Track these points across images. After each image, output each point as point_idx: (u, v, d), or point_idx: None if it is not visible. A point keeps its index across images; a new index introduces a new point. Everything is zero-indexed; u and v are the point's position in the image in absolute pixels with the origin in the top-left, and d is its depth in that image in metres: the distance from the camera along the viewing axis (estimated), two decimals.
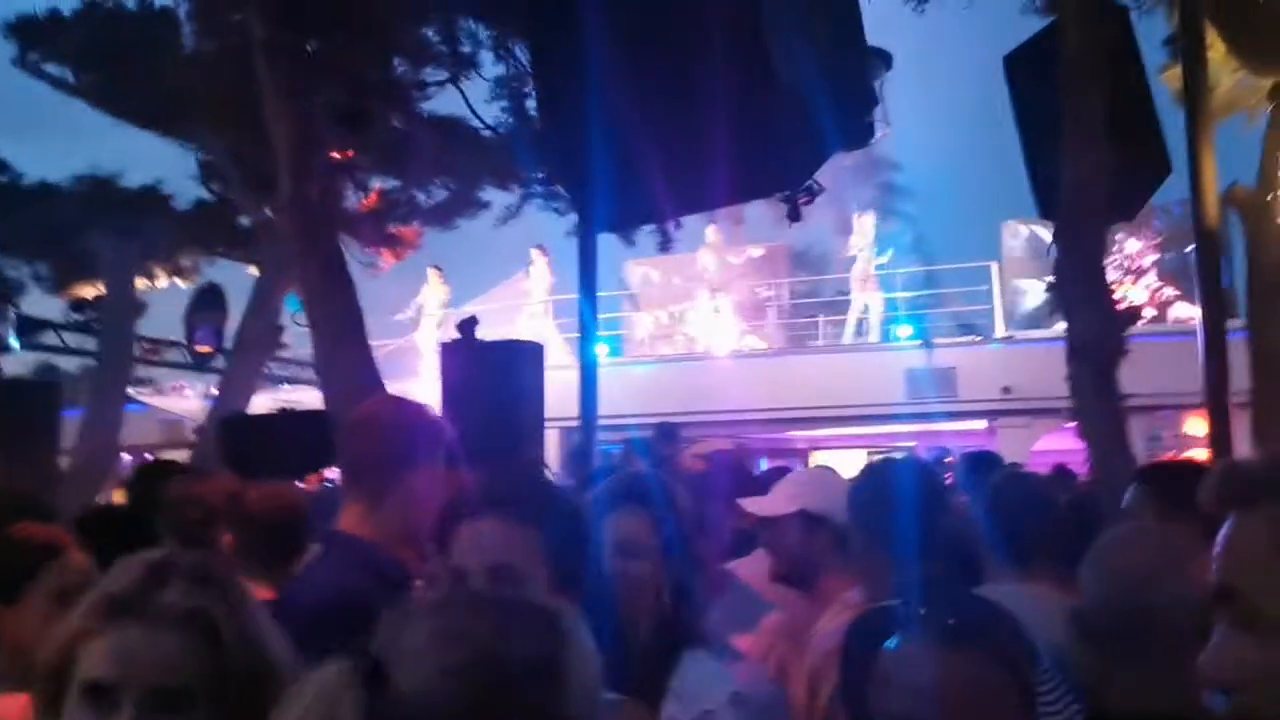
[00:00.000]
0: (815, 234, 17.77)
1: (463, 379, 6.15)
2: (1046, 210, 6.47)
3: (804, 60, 4.65)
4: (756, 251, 18.14)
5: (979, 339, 14.97)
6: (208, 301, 14.19)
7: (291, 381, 15.95)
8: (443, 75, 10.35)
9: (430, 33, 10.18)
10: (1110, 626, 1.70)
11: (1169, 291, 15.41)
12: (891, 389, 13.83)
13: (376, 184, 12.84)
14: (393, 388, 8.98)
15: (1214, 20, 7.01)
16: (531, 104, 8.79)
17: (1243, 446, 6.61)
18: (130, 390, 15.53)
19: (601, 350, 11.29)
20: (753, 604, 2.64)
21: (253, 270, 13.50)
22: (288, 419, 6.53)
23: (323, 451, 4.92)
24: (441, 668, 0.96)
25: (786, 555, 2.59)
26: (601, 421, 5.95)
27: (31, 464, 7.65)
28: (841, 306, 16.38)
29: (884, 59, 7.58)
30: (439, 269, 17.07)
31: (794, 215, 6.26)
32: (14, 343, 13.76)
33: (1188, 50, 6.60)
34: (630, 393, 12.00)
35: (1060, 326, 6.49)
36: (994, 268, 16.35)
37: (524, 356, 6.50)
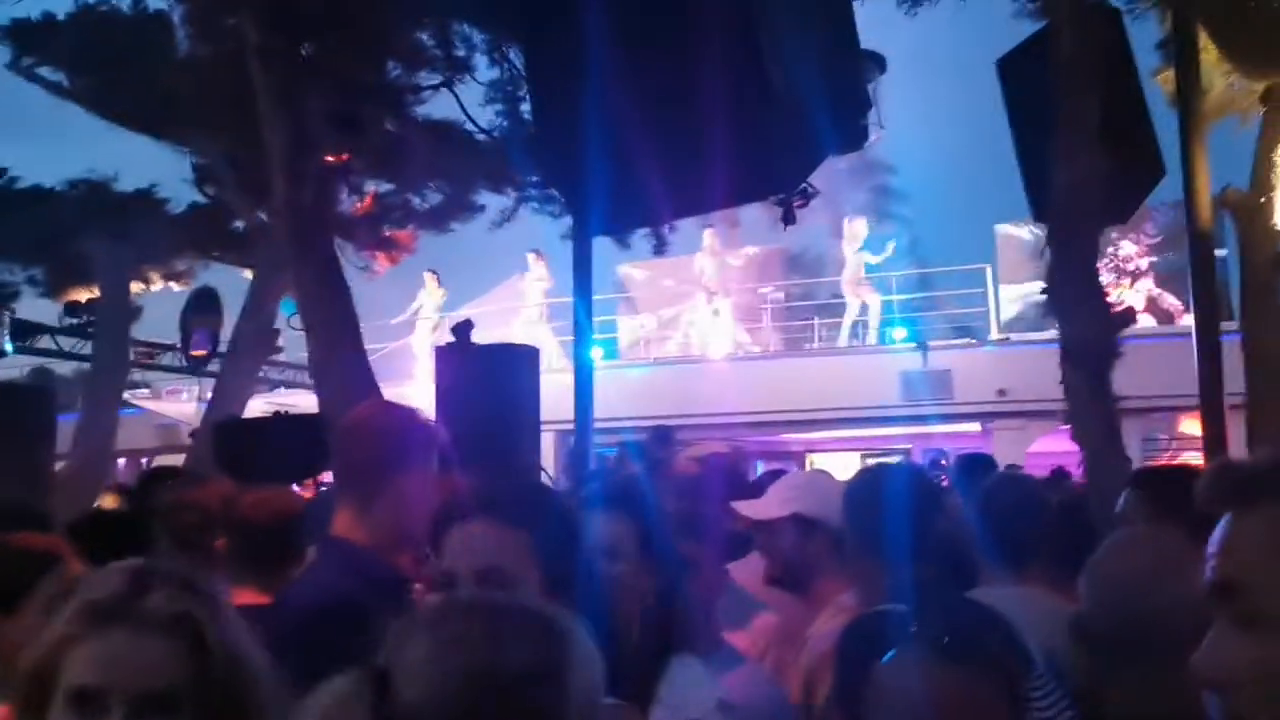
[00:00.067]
0: (811, 237, 17.79)
1: (457, 383, 6.14)
2: (1040, 213, 6.49)
3: (798, 64, 4.66)
4: (751, 250, 18.15)
5: (974, 341, 14.99)
6: (203, 305, 14.17)
7: (287, 385, 15.94)
8: (437, 79, 10.36)
9: (425, 36, 10.18)
10: (1110, 630, 1.70)
11: (1166, 293, 15.44)
12: (887, 391, 13.85)
13: (371, 188, 12.84)
14: (388, 391, 8.98)
15: (1206, 23, 7.04)
16: (526, 108, 8.79)
17: (1238, 447, 6.63)
18: (125, 394, 15.52)
19: (597, 353, 11.30)
20: (747, 606, 2.64)
21: (248, 274, 13.49)
22: (282, 423, 6.52)
23: (317, 456, 4.92)
24: (442, 676, 0.97)
25: (781, 558, 2.59)
26: (597, 424, 5.96)
27: (26, 469, 7.62)
28: (837, 309, 16.40)
29: (878, 62, 7.60)
30: (435, 273, 17.07)
31: (788, 218, 6.27)
32: (8, 347, 13.74)
33: (1181, 53, 6.63)
34: (626, 396, 12.01)
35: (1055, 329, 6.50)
36: (989, 270, 16.38)
37: (519, 360, 6.50)
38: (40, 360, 15.82)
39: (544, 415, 6.36)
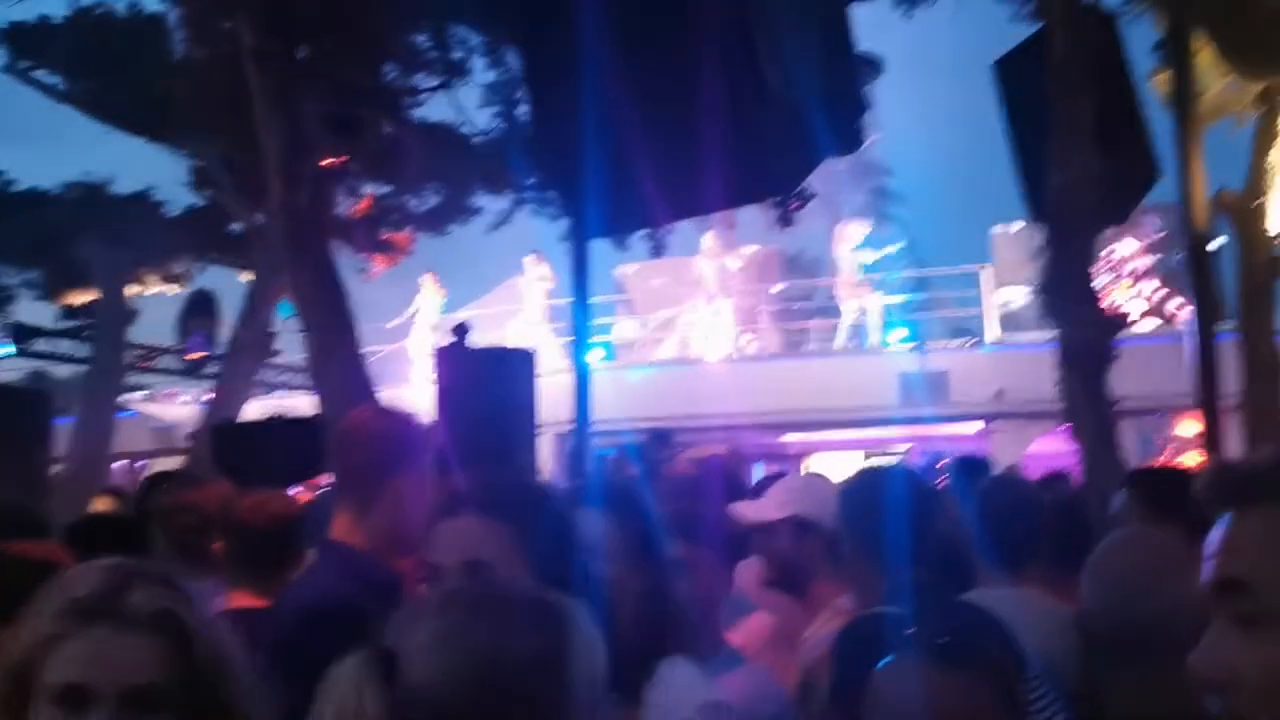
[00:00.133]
0: (808, 238, 17.80)
1: (455, 385, 6.14)
2: (1037, 215, 6.50)
3: (795, 66, 4.67)
4: (749, 250, 18.15)
5: (971, 342, 15.00)
6: (200, 308, 14.16)
7: (285, 388, 15.92)
8: (434, 81, 10.38)
9: (422, 39, 10.19)
10: (1111, 631, 1.71)
11: (1163, 294, 15.45)
12: (885, 393, 13.85)
13: (368, 190, 12.85)
14: (385, 394, 8.98)
15: (1202, 26, 7.05)
16: (523, 110, 8.80)
17: (1234, 448, 6.64)
18: (122, 397, 15.50)
19: (595, 355, 11.30)
20: (740, 609, 2.64)
21: (245, 276, 13.49)
22: (280, 426, 6.51)
23: (315, 459, 4.91)
24: (447, 663, 0.99)
25: (778, 561, 2.59)
26: (595, 426, 5.96)
27: (23, 472, 7.61)
28: (835, 311, 16.40)
29: (874, 65, 7.62)
30: (434, 275, 17.06)
31: (785, 220, 6.28)
32: (5, 350, 13.73)
33: (1176, 55, 6.64)
34: (624, 397, 12.01)
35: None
36: (986, 272, 16.39)
37: (516, 363, 6.50)
38: (37, 363, 15.82)
39: (542, 417, 6.36)
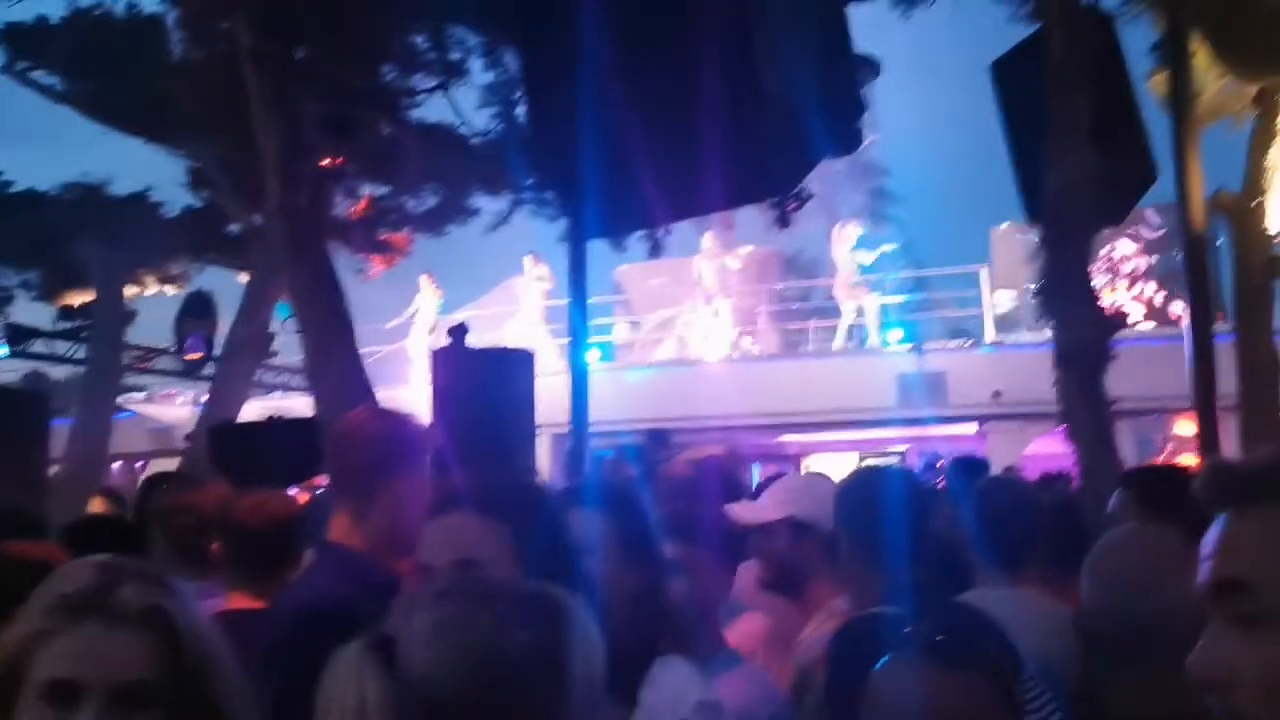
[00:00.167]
0: (806, 239, 17.81)
1: (453, 386, 6.15)
2: (1034, 215, 6.51)
3: (793, 67, 4.67)
4: (746, 250, 18.16)
5: (969, 343, 15.01)
6: (197, 308, 14.15)
7: (282, 389, 15.91)
8: (432, 82, 10.37)
9: (420, 40, 10.19)
10: (1111, 630, 1.71)
11: (1161, 295, 15.47)
12: (883, 394, 13.85)
13: (366, 191, 12.84)
14: (383, 394, 8.98)
15: (1199, 27, 7.06)
16: (521, 111, 8.80)
17: (1231, 449, 6.65)
18: (120, 398, 15.49)
19: (593, 356, 11.29)
20: (734, 610, 2.63)
21: (242, 277, 13.49)
22: (278, 426, 6.51)
23: (313, 459, 4.90)
24: (443, 655, 0.99)
25: (775, 562, 2.58)
26: (593, 427, 5.96)
27: (21, 473, 7.61)
28: (833, 312, 16.41)
29: (872, 65, 7.62)
30: (431, 275, 17.05)
31: (783, 221, 6.28)
32: (2, 351, 13.72)
33: (1173, 56, 6.65)
34: (622, 398, 12.01)
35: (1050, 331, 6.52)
36: (984, 272, 16.40)
37: (514, 363, 6.51)
38: (34, 364, 15.80)
39: (540, 418, 6.37)
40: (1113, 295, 14.92)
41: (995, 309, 16.04)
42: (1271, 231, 8.63)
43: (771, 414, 14.48)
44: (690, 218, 9.97)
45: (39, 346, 14.20)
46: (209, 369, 13.96)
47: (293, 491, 4.96)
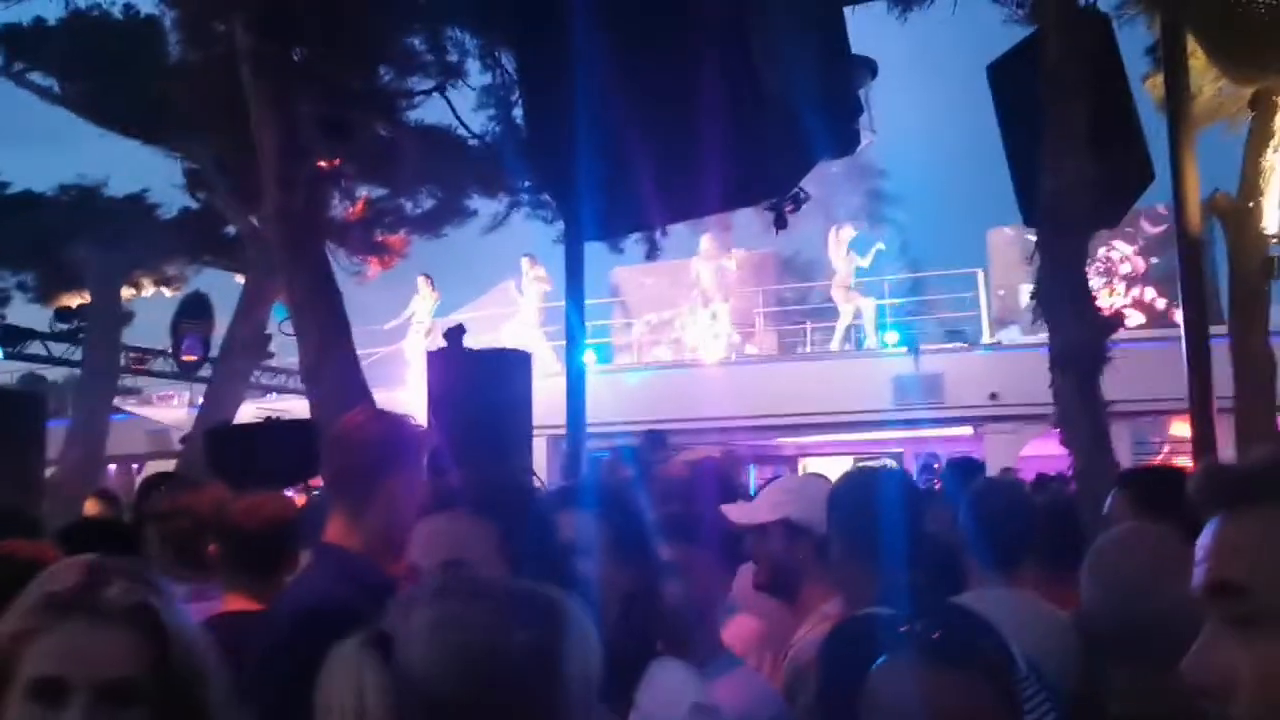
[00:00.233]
0: (803, 241, 17.83)
1: (450, 387, 6.15)
2: (1030, 217, 6.52)
3: (790, 69, 4.68)
4: (742, 253, 18.19)
5: (966, 345, 15.03)
6: (194, 310, 14.14)
7: (279, 390, 15.90)
8: (429, 84, 10.37)
9: (417, 42, 10.19)
10: (1111, 630, 1.71)
11: (1161, 295, 15.49)
12: (879, 395, 13.88)
13: (363, 192, 12.83)
14: (380, 396, 8.97)
15: (1195, 29, 7.07)
16: (518, 113, 8.80)
17: (1227, 450, 6.67)
18: (116, 400, 15.47)
19: (590, 358, 11.29)
20: (728, 612, 2.63)
21: (239, 279, 13.47)
22: (274, 428, 6.50)
23: (309, 461, 4.90)
24: (440, 653, 0.99)
25: (769, 564, 2.58)
26: (590, 429, 5.97)
27: (17, 474, 7.61)
28: (830, 313, 16.43)
29: (869, 67, 7.62)
30: (429, 277, 17.05)
31: (780, 223, 6.28)
32: None
33: (1169, 59, 6.67)
34: (619, 400, 12.02)
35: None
36: (981, 274, 16.43)
37: (511, 365, 6.51)
38: (31, 366, 15.78)
39: (537, 420, 6.38)
40: (1111, 297, 14.93)
41: (997, 310, 16.07)
42: (1268, 233, 8.65)
43: (768, 415, 14.49)
44: (687, 219, 9.99)
45: (35, 348, 14.17)
46: (206, 370, 13.95)
47: (289, 493, 4.96)
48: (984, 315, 16.04)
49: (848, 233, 15.91)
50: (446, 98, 10.30)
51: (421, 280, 17.02)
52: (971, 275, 16.52)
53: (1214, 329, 6.74)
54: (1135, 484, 2.98)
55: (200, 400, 14.09)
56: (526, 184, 10.31)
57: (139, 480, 9.83)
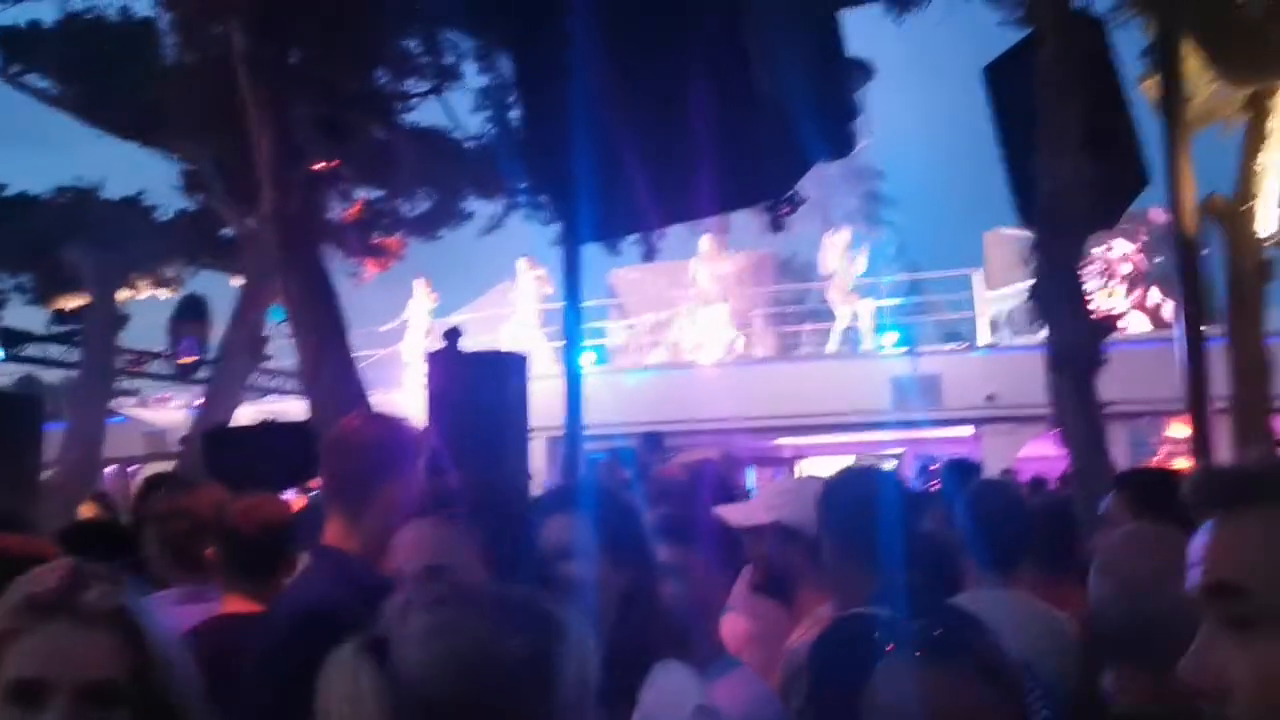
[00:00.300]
0: (800, 242, 17.86)
1: (447, 389, 6.15)
2: (1027, 219, 6.53)
3: (785, 71, 4.68)
4: (740, 255, 18.21)
5: (963, 346, 15.04)
6: (191, 312, 14.14)
7: (276, 392, 15.90)
8: (426, 86, 10.38)
9: (413, 44, 10.19)
10: (1119, 627, 1.71)
11: (1153, 297, 15.51)
12: (877, 397, 13.88)
13: (360, 194, 12.83)
14: (377, 398, 8.98)
15: (1191, 31, 7.09)
16: (515, 115, 8.80)
17: (1223, 451, 6.68)
18: (113, 402, 15.45)
19: (588, 359, 11.29)
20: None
21: (236, 281, 13.46)
22: (271, 430, 6.50)
23: (307, 463, 4.90)
24: (436, 658, 1.00)
25: (765, 566, 2.58)
26: (588, 430, 5.96)
27: (13, 477, 7.58)
28: (827, 315, 16.44)
29: (865, 69, 7.64)
30: (426, 279, 17.06)
31: (776, 225, 6.29)
32: None
33: (1165, 61, 6.67)
34: (617, 401, 12.01)
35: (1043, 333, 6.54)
36: (977, 275, 16.44)
37: (508, 367, 6.51)
38: (28, 368, 15.77)
39: (535, 421, 6.37)
40: (1109, 299, 14.95)
41: (994, 311, 16.08)
42: (1263, 235, 8.67)
43: (766, 417, 14.49)
44: (684, 221, 9.99)
45: (32, 350, 14.17)
46: (203, 373, 13.95)
47: (287, 495, 4.96)
48: (981, 316, 16.06)
49: (844, 236, 15.93)
50: (443, 100, 10.31)
51: (418, 282, 17.03)
52: (968, 276, 16.54)
53: (1211, 330, 6.76)
54: (1133, 485, 2.99)
55: (197, 402, 14.08)
56: (523, 186, 10.31)
57: (137, 482, 9.82)
